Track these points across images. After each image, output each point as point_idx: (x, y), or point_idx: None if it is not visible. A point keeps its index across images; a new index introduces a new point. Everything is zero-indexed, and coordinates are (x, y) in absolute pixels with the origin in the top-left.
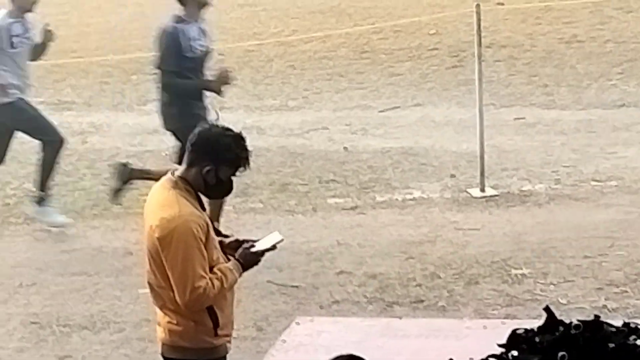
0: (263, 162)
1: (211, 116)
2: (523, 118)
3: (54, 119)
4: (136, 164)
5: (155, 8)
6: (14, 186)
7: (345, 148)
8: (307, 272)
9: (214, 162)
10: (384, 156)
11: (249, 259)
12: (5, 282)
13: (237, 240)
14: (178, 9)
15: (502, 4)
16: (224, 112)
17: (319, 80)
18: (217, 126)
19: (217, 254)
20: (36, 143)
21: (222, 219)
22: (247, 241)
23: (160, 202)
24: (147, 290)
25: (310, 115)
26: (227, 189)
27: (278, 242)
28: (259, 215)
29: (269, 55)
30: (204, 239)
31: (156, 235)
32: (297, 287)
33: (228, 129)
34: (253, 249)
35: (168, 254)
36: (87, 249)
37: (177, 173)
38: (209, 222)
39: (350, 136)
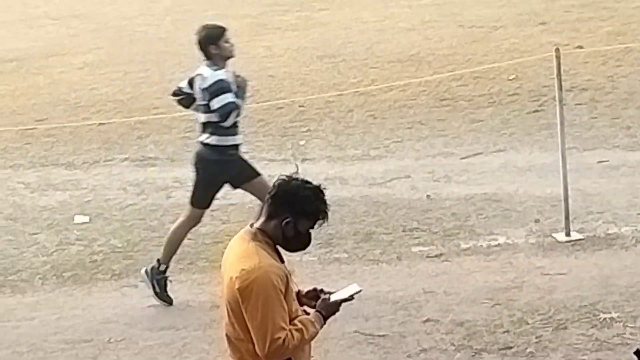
0: (347, 212)
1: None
2: (607, 161)
3: (139, 175)
4: (219, 217)
5: (234, 61)
6: (101, 243)
7: (428, 196)
8: (394, 321)
9: (293, 215)
10: (468, 203)
11: (329, 309)
12: (95, 338)
13: (314, 290)
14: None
15: (582, 47)
16: (307, 163)
17: (400, 129)
18: (296, 179)
19: (296, 305)
20: (120, 200)
21: (307, 270)
22: (325, 292)
23: (240, 254)
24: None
25: (393, 164)
26: (306, 241)
27: (356, 293)
28: (344, 266)
29: (349, 106)
30: (283, 290)
31: (236, 286)
32: (384, 336)
33: (307, 182)
34: (332, 299)
35: (248, 305)
36: (175, 303)
37: (256, 225)
38: (289, 274)
39: (433, 184)
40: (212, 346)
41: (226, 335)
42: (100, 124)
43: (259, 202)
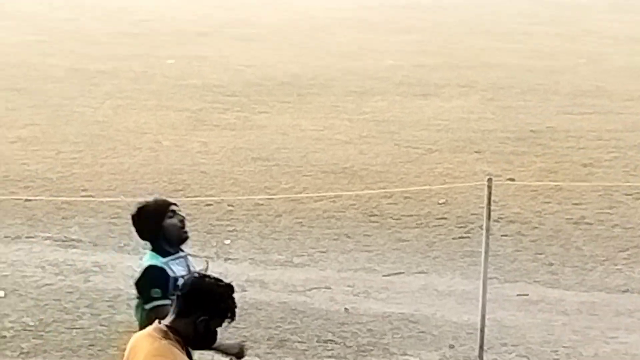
0: (263, 316)
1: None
2: (526, 295)
3: (59, 255)
4: None
5: (168, 154)
6: (13, 319)
7: (346, 309)
8: None
9: (208, 313)
10: (384, 321)
11: None
12: None
13: None
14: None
15: (513, 180)
16: (229, 263)
17: (325, 239)
18: (208, 276)
19: None
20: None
21: None
22: None
23: (152, 352)
24: None
25: (314, 274)
26: (214, 339)
27: None
28: None
29: (278, 210)
30: None
31: None
32: None
33: (219, 280)
34: None
35: None
36: None
37: (165, 322)
38: None
39: (352, 297)
40: None
41: None
42: (26, 199)
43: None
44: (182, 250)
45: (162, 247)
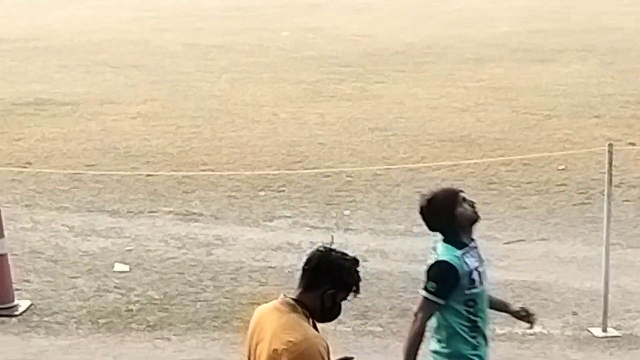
0: (384, 286)
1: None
2: None
3: (181, 229)
4: (258, 279)
5: (285, 126)
6: (138, 293)
7: None
8: None
9: (334, 286)
10: (506, 289)
11: None
12: None
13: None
14: None
15: (634, 144)
16: (349, 234)
17: None
18: (334, 250)
19: None
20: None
21: (340, 341)
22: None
23: (282, 326)
24: None
25: (434, 243)
26: (338, 313)
27: None
28: (377, 339)
29: (396, 180)
30: None
31: (283, 358)
32: None
33: (345, 253)
34: None
35: None
36: None
37: (292, 296)
38: (329, 346)
39: None
40: None
41: None
42: (148, 175)
43: (298, 266)
44: (473, 240)
45: (454, 237)
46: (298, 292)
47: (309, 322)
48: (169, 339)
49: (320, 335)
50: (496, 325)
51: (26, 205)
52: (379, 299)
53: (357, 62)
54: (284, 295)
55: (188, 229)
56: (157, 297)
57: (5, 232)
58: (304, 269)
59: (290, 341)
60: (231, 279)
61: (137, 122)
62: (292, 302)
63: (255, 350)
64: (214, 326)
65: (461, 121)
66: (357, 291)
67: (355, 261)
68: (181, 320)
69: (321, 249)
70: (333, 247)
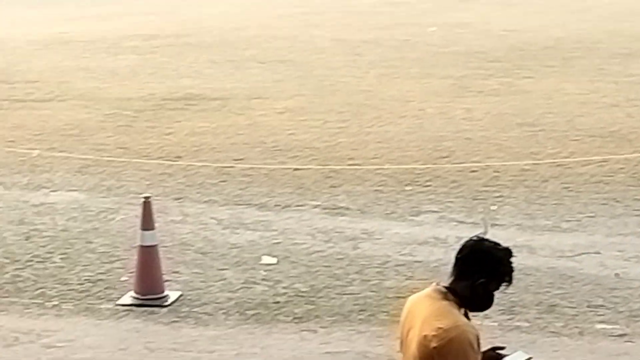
0: (531, 281)
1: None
2: None
3: (328, 223)
4: (404, 273)
5: (432, 121)
6: (285, 285)
7: (616, 274)
8: None
9: (486, 275)
10: None
11: None
12: None
13: (491, 349)
14: None
15: None
16: (496, 229)
17: (593, 204)
18: (487, 239)
19: None
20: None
21: (486, 335)
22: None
23: (434, 312)
24: None
25: (583, 239)
26: (490, 303)
27: None
28: (524, 334)
29: (544, 176)
30: (477, 350)
31: (433, 344)
32: None
33: (497, 243)
34: None
35: None
36: (351, 353)
37: (444, 284)
38: (479, 335)
39: (622, 262)
40: None
41: None
42: (295, 169)
43: (444, 261)
44: None
45: None
46: (450, 280)
47: (460, 311)
48: (315, 331)
49: (471, 324)
50: None
51: (176, 198)
52: (526, 294)
53: (505, 57)
54: (436, 283)
55: (335, 223)
56: (304, 289)
57: (156, 225)
58: (456, 258)
59: (440, 327)
60: (377, 272)
61: (285, 116)
62: (443, 290)
63: (406, 337)
64: (360, 319)
65: (611, 116)
66: (509, 282)
67: (508, 251)
68: (328, 313)
69: (474, 238)
70: (486, 237)
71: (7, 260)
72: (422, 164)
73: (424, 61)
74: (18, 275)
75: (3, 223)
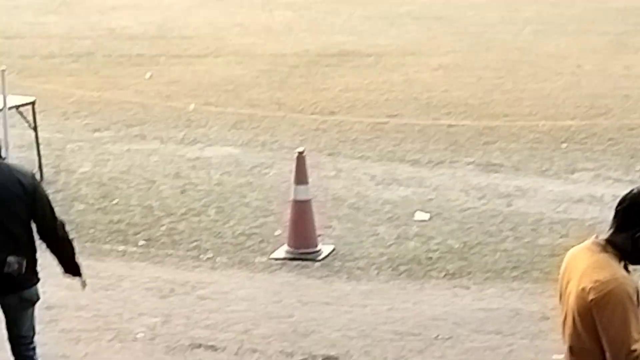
0: None
1: None
2: None
3: (482, 180)
4: (558, 231)
5: (589, 78)
6: (438, 241)
7: None
8: None
9: None
10: None
11: None
12: (422, 333)
13: None
14: None
15: None
16: None
17: None
18: None
19: None
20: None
21: None
22: None
23: (592, 265)
24: (562, 355)
25: None
26: None
27: None
28: None
29: None
30: (635, 303)
31: (590, 297)
32: None
33: None
34: None
35: (603, 317)
36: (504, 310)
37: (603, 237)
38: (638, 289)
39: None
40: (539, 356)
41: (569, 347)
42: (449, 125)
43: (599, 219)
44: None
45: None
46: (609, 232)
47: (619, 264)
48: (468, 288)
49: (630, 277)
50: None
51: (329, 154)
52: None
53: None
54: (595, 236)
55: (488, 180)
56: (456, 246)
57: (309, 180)
58: (616, 210)
59: (598, 280)
60: (531, 230)
61: (439, 73)
62: (602, 242)
63: (565, 289)
64: (514, 276)
65: None
66: None
67: None
68: (480, 270)
69: (635, 190)
70: None
71: (163, 213)
72: (579, 121)
73: (582, 17)
74: (174, 228)
75: (159, 177)
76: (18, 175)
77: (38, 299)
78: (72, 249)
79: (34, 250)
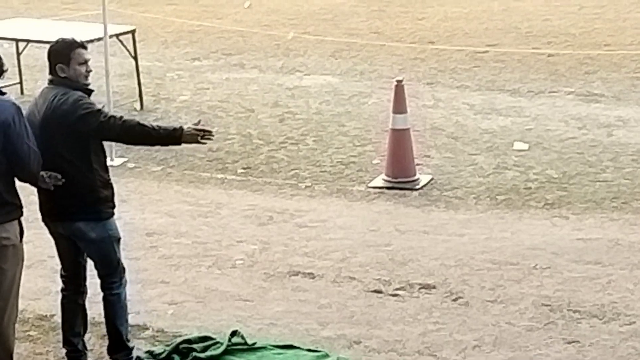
0: None
1: None
2: None
3: (582, 110)
4: None
5: None
6: (537, 171)
7: None
8: None
9: None
10: None
11: None
12: (520, 262)
13: None
14: None
15: None
16: None
17: None
18: None
19: None
20: (560, 132)
21: None
22: None
23: None
24: None
25: None
26: None
27: None
28: None
29: None
30: None
31: None
32: None
33: None
34: None
35: None
36: (604, 240)
37: None
38: None
39: None
40: (637, 287)
41: None
42: (549, 55)
43: None
44: None
45: None
46: None
47: None
48: (567, 218)
49: None
50: None
51: (428, 83)
52: None
53: None
54: None
55: (589, 110)
56: (555, 176)
57: (408, 109)
58: None
59: None
60: (632, 160)
61: (539, 2)
62: None
63: None
64: (613, 206)
65: None
66: None
67: None
68: (579, 200)
69: None
70: None
71: (262, 142)
72: None
73: None
74: (272, 157)
75: (258, 105)
76: (55, 102)
77: (91, 238)
78: (145, 130)
79: (84, 185)
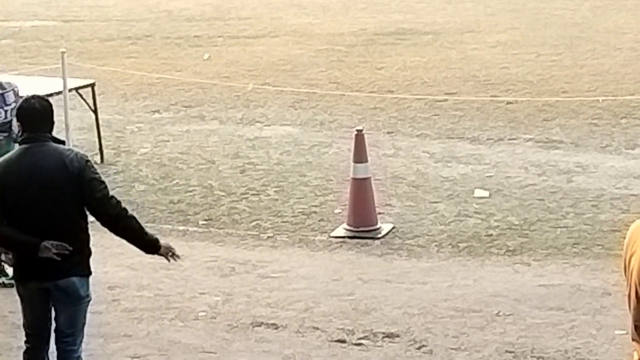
0: None
1: None
2: None
3: (541, 156)
4: (619, 206)
5: None
6: (498, 218)
7: None
8: None
9: None
10: None
11: None
12: (483, 310)
13: None
14: None
15: None
16: None
17: None
18: None
19: None
20: (520, 179)
21: None
22: None
23: None
24: (625, 331)
25: None
26: None
27: None
28: None
29: None
30: None
31: None
32: None
33: None
34: None
35: None
36: (566, 286)
37: None
38: None
39: None
40: (600, 332)
41: (635, 323)
42: (508, 102)
43: None
44: None
45: None
46: None
47: None
48: (528, 264)
49: None
50: None
51: (388, 132)
52: None
53: None
54: None
55: (548, 156)
56: (516, 222)
57: (369, 158)
58: None
59: None
60: (592, 206)
61: (497, 50)
62: None
63: (629, 263)
64: (574, 252)
65: None
66: None
67: None
68: (541, 246)
69: None
70: None
71: (223, 193)
72: (639, 97)
73: None
74: (234, 208)
75: (219, 157)
76: (64, 158)
77: (80, 295)
78: (135, 226)
79: (80, 240)
